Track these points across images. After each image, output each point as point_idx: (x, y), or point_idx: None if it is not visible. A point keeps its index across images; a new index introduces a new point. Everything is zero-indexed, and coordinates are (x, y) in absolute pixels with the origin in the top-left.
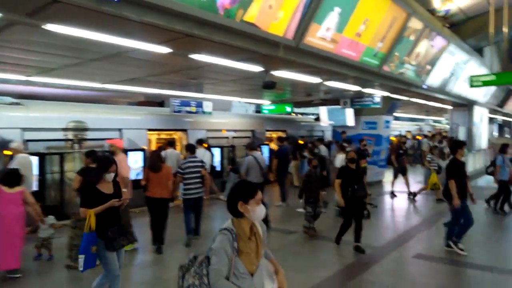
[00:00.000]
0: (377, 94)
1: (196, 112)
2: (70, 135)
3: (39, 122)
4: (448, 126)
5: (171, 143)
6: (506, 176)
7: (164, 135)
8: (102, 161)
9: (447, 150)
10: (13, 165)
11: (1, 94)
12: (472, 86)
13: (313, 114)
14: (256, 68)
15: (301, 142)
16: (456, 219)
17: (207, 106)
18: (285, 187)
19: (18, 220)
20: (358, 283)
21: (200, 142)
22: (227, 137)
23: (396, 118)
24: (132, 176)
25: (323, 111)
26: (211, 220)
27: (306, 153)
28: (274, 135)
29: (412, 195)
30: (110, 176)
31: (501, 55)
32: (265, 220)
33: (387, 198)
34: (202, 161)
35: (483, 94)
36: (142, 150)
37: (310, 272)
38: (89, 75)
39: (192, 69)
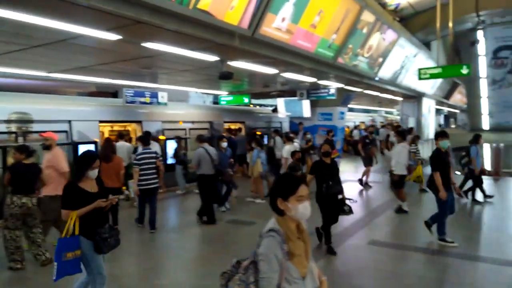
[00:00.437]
0: (332, 85)
1: (150, 103)
2: (13, 127)
3: None
4: (399, 117)
5: (121, 135)
6: (479, 166)
7: (117, 127)
8: (84, 156)
9: (393, 140)
10: None
11: None
12: (420, 78)
13: (271, 105)
14: (212, 58)
15: (259, 133)
16: (444, 211)
17: (162, 97)
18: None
19: None
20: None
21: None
22: (184, 129)
23: (351, 110)
24: None
25: (280, 102)
26: (168, 213)
27: (253, 145)
28: (233, 126)
29: (361, 182)
30: (94, 173)
31: (447, 49)
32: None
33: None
34: (156, 153)
35: (430, 86)
36: (94, 142)
37: None
38: (33, 63)
39: (144, 57)
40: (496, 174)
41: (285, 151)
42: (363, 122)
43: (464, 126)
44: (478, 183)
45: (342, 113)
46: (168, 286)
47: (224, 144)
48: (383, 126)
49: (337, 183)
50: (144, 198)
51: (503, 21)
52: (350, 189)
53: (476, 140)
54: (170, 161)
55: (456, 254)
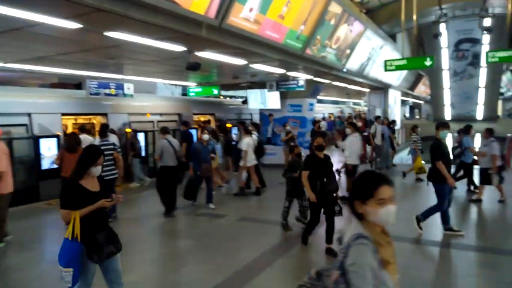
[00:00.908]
0: (301, 77)
1: (116, 95)
2: None
3: None
4: (366, 108)
5: (83, 128)
6: (470, 158)
7: (81, 120)
8: (88, 151)
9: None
10: None
11: None
12: (386, 70)
13: (241, 97)
14: (179, 48)
15: (229, 125)
16: (443, 202)
17: (129, 88)
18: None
19: None
20: (286, 260)
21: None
22: (152, 121)
23: (320, 101)
24: (46, 165)
25: (250, 94)
26: (132, 206)
27: (210, 137)
28: (202, 118)
29: (339, 173)
30: (97, 170)
31: (412, 41)
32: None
33: None
34: (114, 144)
35: (396, 78)
36: (56, 136)
37: (239, 254)
38: None
39: (108, 47)
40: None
41: (244, 144)
42: (332, 114)
43: (428, 117)
44: (470, 174)
45: (312, 104)
46: (135, 283)
47: (205, 137)
48: (339, 117)
49: (333, 180)
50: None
51: (465, 14)
52: None
53: (467, 130)
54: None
55: (427, 241)
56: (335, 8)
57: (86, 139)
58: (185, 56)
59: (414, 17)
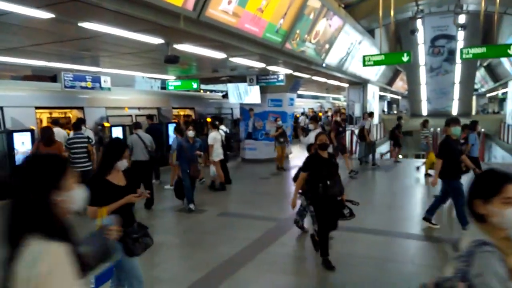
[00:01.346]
0: (281, 71)
1: (92, 88)
2: None
3: None
4: (345, 103)
5: (55, 122)
6: (476, 153)
7: (56, 114)
8: (113, 145)
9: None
10: None
11: None
12: (365, 65)
13: (222, 91)
14: (157, 41)
15: (209, 120)
16: (461, 196)
17: (105, 81)
18: (157, 165)
19: None
20: (267, 255)
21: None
22: (130, 115)
23: (300, 96)
24: (20, 160)
25: (230, 88)
26: None
27: (174, 132)
28: (182, 112)
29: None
30: (123, 164)
31: (390, 37)
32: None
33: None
34: (88, 137)
35: (375, 73)
36: (30, 131)
37: (220, 249)
38: None
39: (83, 39)
40: None
41: (210, 138)
42: (311, 109)
43: (405, 112)
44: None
45: (292, 99)
46: None
47: (191, 133)
48: (303, 114)
49: (337, 182)
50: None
51: (440, 11)
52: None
53: (474, 127)
54: None
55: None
56: (314, 3)
57: (59, 132)
58: (163, 48)
59: (392, 13)
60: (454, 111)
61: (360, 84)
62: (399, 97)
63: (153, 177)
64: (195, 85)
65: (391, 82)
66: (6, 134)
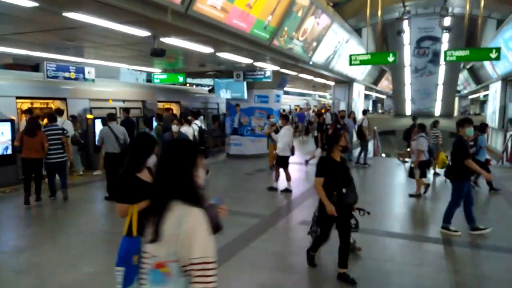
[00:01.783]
0: (268, 68)
1: (76, 79)
2: None
3: None
4: (331, 101)
5: (29, 111)
6: (484, 157)
7: (38, 104)
8: (144, 141)
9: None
10: None
11: None
12: (351, 64)
13: (208, 85)
14: (143, 33)
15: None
16: (460, 199)
17: (89, 73)
18: None
19: None
20: (250, 250)
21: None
22: (114, 108)
23: (286, 93)
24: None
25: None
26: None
27: (143, 125)
28: (167, 106)
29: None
30: (153, 159)
31: (376, 37)
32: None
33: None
34: (63, 129)
35: (361, 72)
36: (11, 121)
37: None
38: None
39: (67, 29)
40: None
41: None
42: (298, 105)
43: (390, 111)
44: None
45: (278, 96)
46: (94, 274)
47: (175, 128)
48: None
49: (352, 190)
50: (52, 171)
51: (426, 13)
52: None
53: (483, 129)
54: None
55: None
56: (303, 0)
57: None
58: (149, 41)
59: (379, 13)
60: (437, 112)
61: (346, 82)
62: (384, 97)
63: None
64: (181, 79)
65: (376, 81)
66: None
